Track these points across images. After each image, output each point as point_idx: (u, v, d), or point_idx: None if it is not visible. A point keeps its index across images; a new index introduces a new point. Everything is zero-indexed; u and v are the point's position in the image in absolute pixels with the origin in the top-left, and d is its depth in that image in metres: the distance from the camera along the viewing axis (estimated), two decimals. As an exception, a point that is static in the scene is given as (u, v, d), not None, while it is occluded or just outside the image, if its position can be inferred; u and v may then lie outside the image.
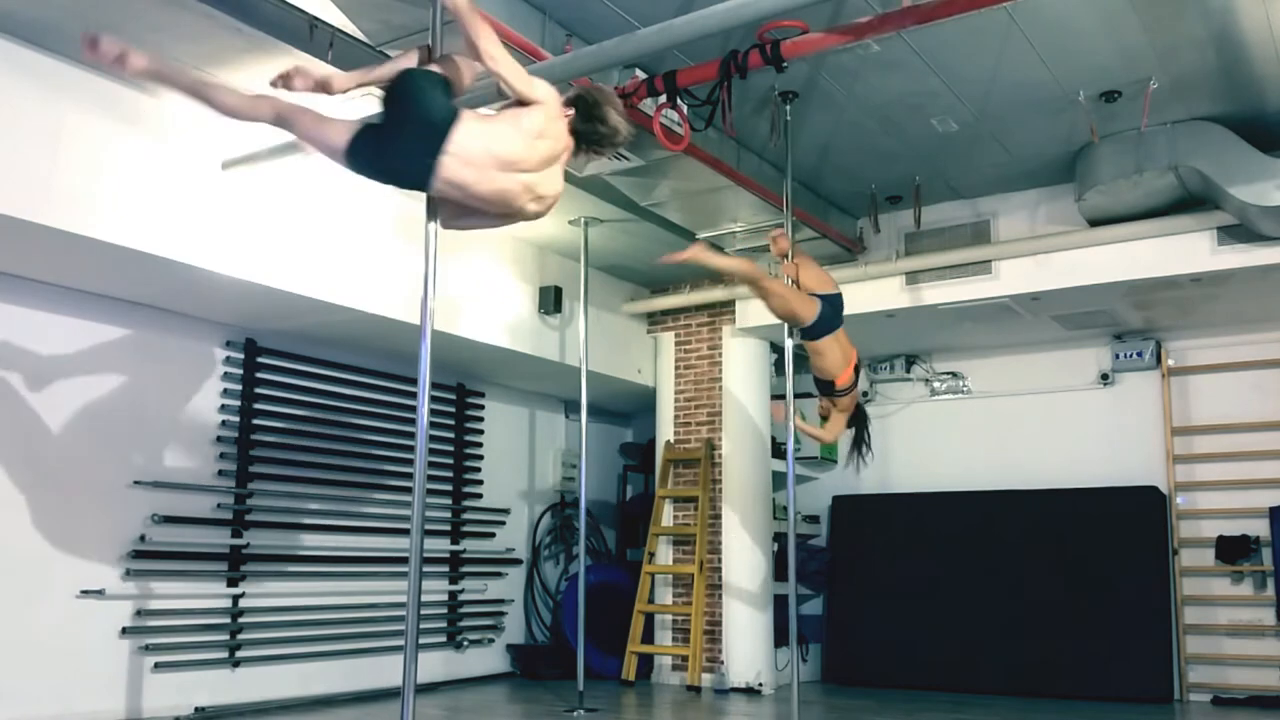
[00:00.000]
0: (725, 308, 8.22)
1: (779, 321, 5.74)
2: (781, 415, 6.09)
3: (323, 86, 3.52)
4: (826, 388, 5.82)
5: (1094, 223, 6.59)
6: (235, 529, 6.47)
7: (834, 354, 5.62)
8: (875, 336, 7.99)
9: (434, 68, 3.41)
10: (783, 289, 5.40)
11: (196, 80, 3.40)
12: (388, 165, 3.31)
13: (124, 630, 5.81)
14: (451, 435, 8.16)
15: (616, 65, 4.92)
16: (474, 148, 3.26)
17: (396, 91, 3.32)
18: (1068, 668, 7.24)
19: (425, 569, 7.38)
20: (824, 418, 6.04)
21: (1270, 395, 7.33)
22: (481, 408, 8.46)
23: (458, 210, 3.55)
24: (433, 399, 3.48)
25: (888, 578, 8.09)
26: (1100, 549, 7.42)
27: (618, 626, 8.07)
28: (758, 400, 8.14)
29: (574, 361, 7.58)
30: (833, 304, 5.52)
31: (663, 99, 5.06)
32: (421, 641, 7.30)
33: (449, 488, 8.11)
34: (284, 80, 3.45)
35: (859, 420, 6.04)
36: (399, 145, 3.25)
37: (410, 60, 3.51)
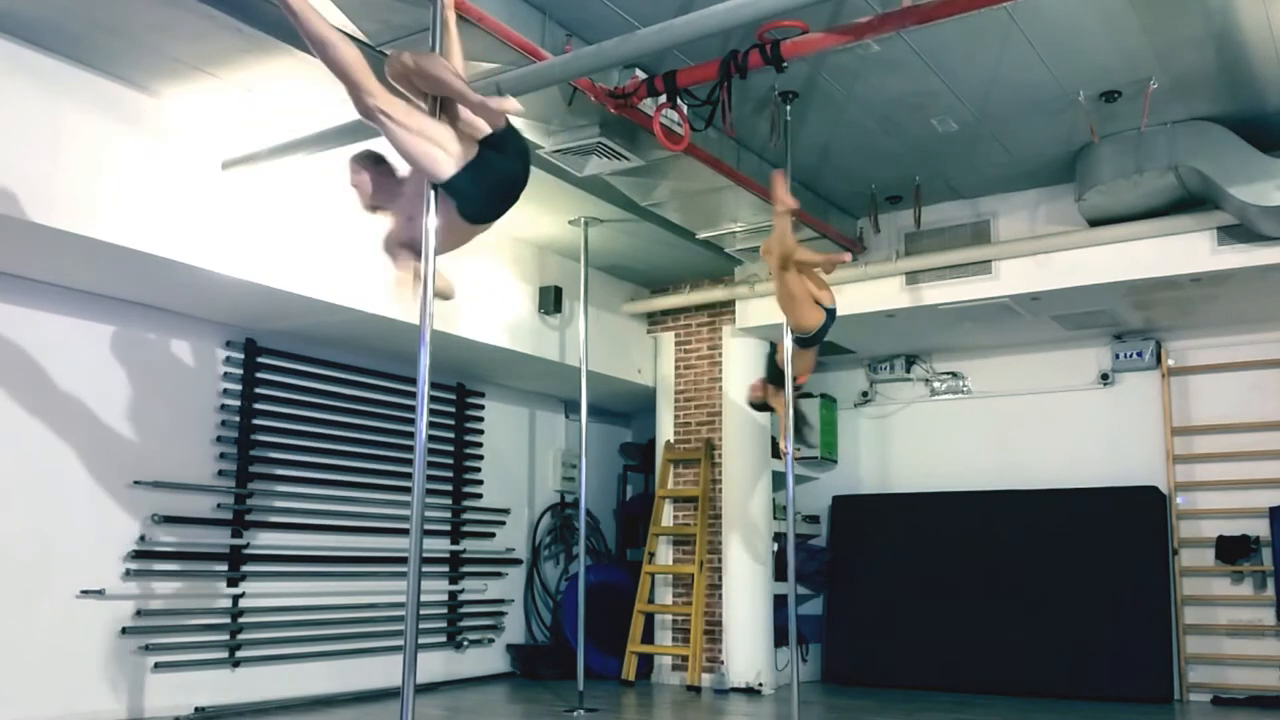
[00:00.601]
0: (725, 308, 8.22)
1: (779, 322, 5.77)
2: (759, 391, 6.30)
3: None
4: (781, 379, 5.98)
5: (1094, 223, 6.59)
6: (235, 529, 6.47)
7: (808, 359, 5.94)
8: (875, 336, 8.00)
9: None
10: (813, 291, 5.55)
11: (331, 31, 3.44)
12: (493, 198, 3.62)
13: (124, 630, 5.81)
14: (451, 435, 8.16)
15: (616, 65, 4.92)
16: None
17: (523, 146, 3.67)
18: (1068, 668, 7.24)
19: (425, 569, 7.38)
20: (758, 404, 6.26)
21: (1270, 395, 7.33)
22: (481, 408, 8.46)
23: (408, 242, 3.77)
24: (432, 399, 3.49)
25: (888, 578, 8.09)
26: (1100, 549, 7.41)
27: (618, 626, 8.07)
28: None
29: (574, 361, 7.58)
30: (830, 316, 5.74)
31: (663, 99, 5.06)
32: (421, 641, 7.33)
33: (449, 488, 8.11)
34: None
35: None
36: (515, 189, 3.64)
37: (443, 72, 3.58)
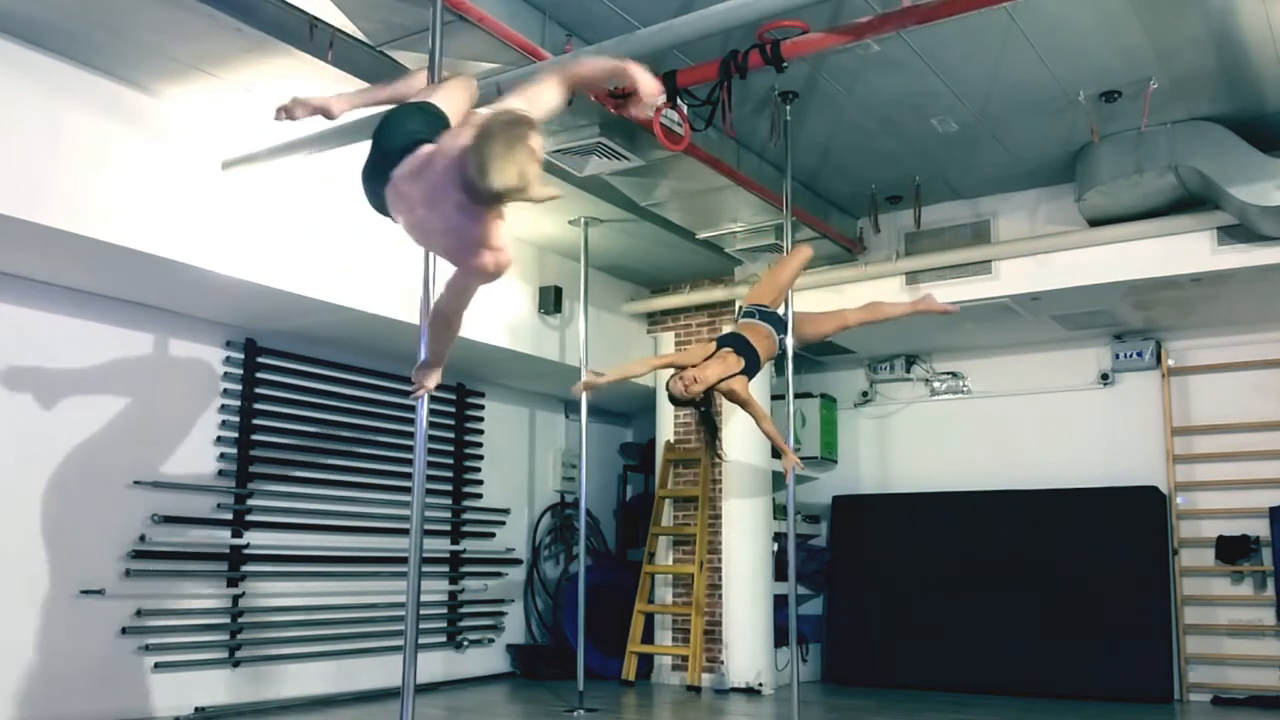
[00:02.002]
0: (725, 307, 8.22)
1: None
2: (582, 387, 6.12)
3: (322, 112, 3.74)
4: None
5: (1094, 223, 6.60)
6: (235, 529, 6.47)
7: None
8: (875, 336, 7.98)
9: (434, 97, 3.29)
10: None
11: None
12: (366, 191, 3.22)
13: (124, 630, 5.81)
14: (451, 435, 8.16)
15: (616, 65, 4.92)
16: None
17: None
18: (1068, 668, 7.23)
19: (425, 569, 7.37)
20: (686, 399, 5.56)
21: (1270, 395, 7.33)
22: (481, 408, 8.46)
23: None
24: (432, 399, 3.49)
25: (888, 578, 8.09)
26: (1100, 549, 7.41)
27: (618, 626, 8.07)
28: (758, 400, 8.11)
29: (574, 361, 7.58)
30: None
31: (663, 99, 5.06)
32: (421, 641, 7.33)
33: (449, 488, 8.11)
34: (285, 113, 3.72)
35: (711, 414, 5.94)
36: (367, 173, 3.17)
37: (418, 81, 3.56)
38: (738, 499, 7.94)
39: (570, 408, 9.24)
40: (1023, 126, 6.04)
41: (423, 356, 3.42)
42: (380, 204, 3.16)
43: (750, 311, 5.54)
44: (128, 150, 5.03)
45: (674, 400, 5.32)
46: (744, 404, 5.37)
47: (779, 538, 7.99)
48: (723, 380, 5.18)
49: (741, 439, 8.01)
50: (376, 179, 3.08)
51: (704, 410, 5.50)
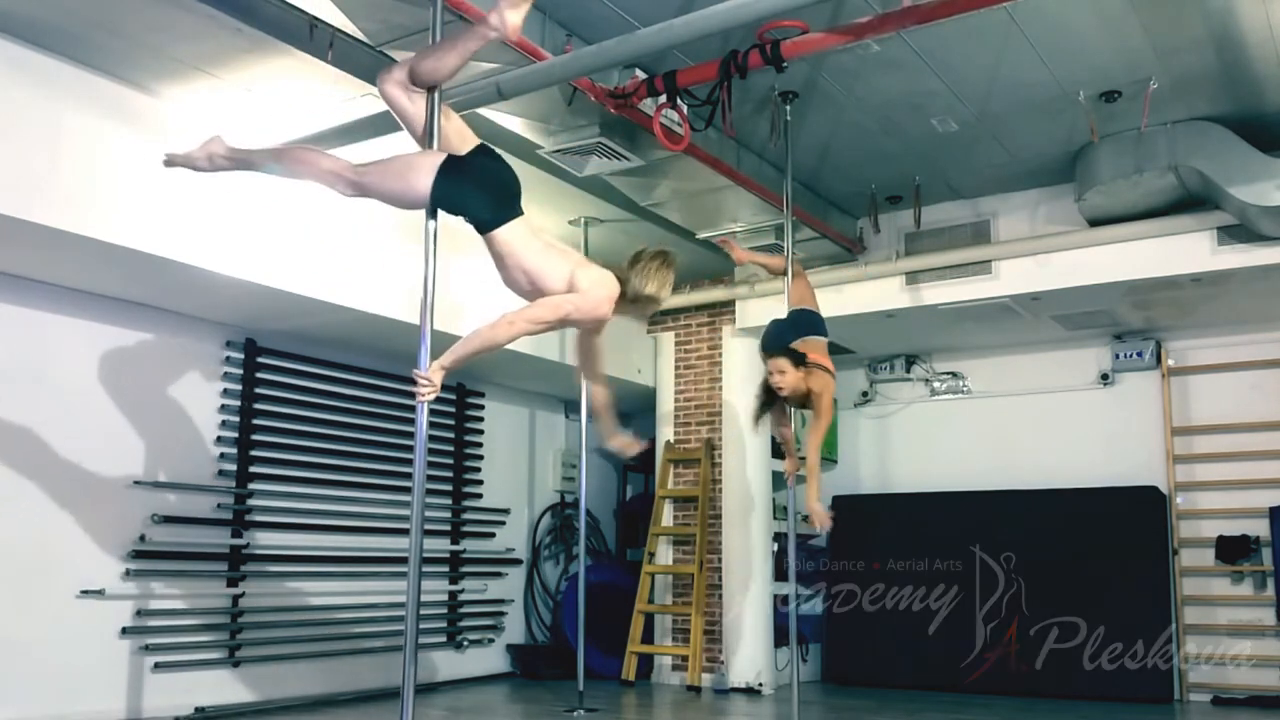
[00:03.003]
0: (725, 308, 8.22)
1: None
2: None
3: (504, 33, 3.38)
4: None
5: (1094, 223, 6.60)
6: (235, 529, 6.47)
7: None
8: (875, 336, 7.99)
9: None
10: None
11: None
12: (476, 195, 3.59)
13: (124, 630, 5.81)
14: (451, 435, 8.16)
15: (616, 65, 4.93)
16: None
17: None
18: (1068, 668, 7.23)
19: (425, 569, 7.36)
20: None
21: (1270, 395, 7.33)
22: (481, 408, 8.46)
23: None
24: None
25: (888, 577, 8.09)
26: (1100, 549, 7.41)
27: (618, 626, 8.07)
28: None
29: (574, 361, 7.56)
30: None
31: (663, 99, 5.06)
32: (421, 641, 7.32)
33: (449, 488, 8.11)
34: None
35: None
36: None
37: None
38: (738, 499, 7.94)
39: (570, 408, 9.24)
40: (1023, 126, 6.04)
41: (423, 360, 3.42)
42: (489, 209, 3.60)
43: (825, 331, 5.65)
44: (128, 150, 5.03)
45: (768, 385, 5.49)
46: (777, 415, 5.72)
47: (779, 538, 7.98)
48: (782, 398, 5.50)
49: (741, 439, 8.02)
50: (505, 204, 3.67)
51: (771, 396, 5.60)
